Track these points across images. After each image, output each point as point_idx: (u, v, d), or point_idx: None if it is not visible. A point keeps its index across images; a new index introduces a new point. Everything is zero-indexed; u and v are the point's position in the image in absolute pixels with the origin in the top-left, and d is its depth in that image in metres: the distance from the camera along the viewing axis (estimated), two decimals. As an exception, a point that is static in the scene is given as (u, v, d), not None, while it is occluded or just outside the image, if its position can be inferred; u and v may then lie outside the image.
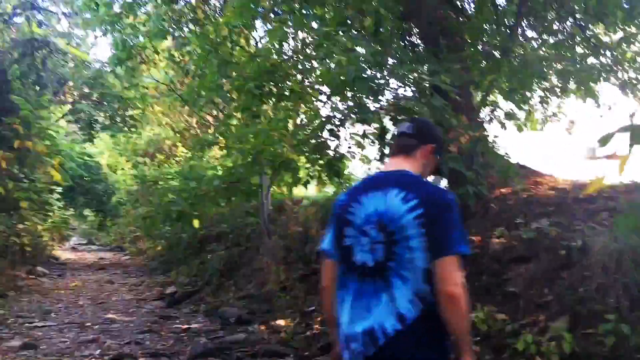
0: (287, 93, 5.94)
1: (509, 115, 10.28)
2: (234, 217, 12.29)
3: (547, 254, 5.06)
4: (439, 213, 1.90)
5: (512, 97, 9.20)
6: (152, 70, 12.62)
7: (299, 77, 6.29)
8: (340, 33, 4.82)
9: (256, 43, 7.57)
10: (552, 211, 5.81)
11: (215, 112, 11.39)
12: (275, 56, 6.50)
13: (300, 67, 6.06)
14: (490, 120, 7.39)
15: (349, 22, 5.38)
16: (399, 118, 5.01)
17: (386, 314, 1.89)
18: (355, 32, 5.30)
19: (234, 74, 6.19)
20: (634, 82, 9.19)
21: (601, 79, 9.52)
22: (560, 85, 9.84)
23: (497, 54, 7.67)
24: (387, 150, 5.93)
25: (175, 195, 7.33)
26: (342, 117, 5.39)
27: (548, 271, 4.88)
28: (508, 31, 7.68)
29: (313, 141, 5.74)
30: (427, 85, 4.40)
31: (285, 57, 5.99)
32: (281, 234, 10.50)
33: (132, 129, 15.83)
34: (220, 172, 7.55)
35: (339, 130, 5.92)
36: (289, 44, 5.96)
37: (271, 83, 6.16)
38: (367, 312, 1.92)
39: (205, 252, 12.59)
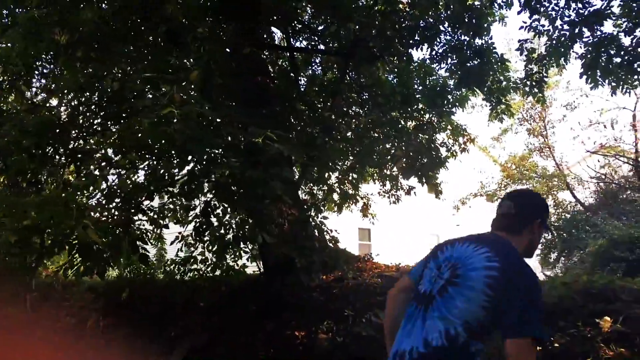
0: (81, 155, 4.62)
1: (311, 195, 10.14)
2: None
3: (382, 352, 4.53)
4: (517, 287, 1.88)
5: (321, 175, 9.06)
6: None
7: (95, 135, 5.01)
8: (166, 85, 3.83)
9: (37, 91, 6.03)
10: (382, 301, 5.38)
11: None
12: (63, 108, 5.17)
13: (97, 123, 4.79)
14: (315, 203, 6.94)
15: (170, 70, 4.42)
16: (234, 191, 4.13)
17: (419, 339, 1.98)
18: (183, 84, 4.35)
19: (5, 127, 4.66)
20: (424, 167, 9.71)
21: (391, 163, 10.01)
22: (357, 167, 10.05)
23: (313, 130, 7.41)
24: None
25: None
26: (162, 187, 4.27)
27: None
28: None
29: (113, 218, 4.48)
30: (280, 154, 3.64)
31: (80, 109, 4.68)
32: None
33: None
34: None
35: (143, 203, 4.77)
36: (85, 96, 4.67)
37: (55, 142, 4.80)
38: (409, 334, 2.04)
39: None
